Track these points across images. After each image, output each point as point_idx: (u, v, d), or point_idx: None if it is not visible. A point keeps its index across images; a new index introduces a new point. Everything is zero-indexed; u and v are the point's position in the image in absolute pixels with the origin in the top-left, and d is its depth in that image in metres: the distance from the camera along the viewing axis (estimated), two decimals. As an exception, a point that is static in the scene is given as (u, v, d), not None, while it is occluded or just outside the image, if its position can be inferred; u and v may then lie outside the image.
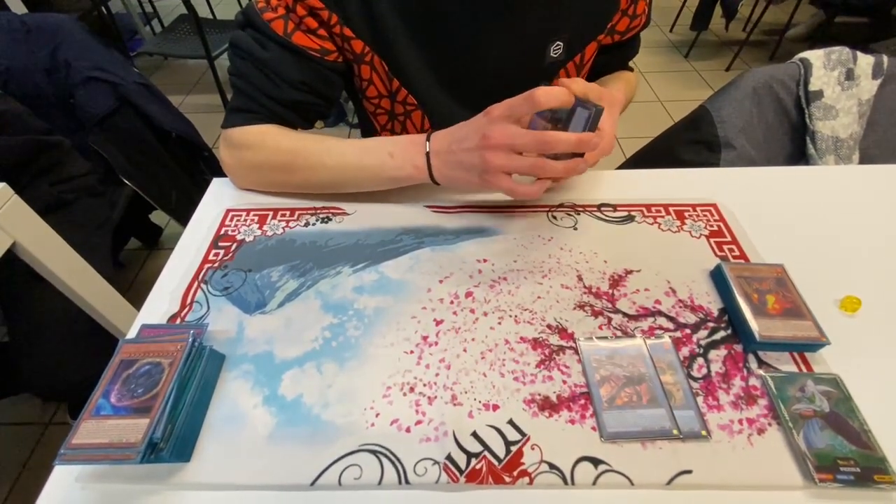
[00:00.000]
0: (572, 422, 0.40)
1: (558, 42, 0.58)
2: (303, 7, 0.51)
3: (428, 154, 0.51)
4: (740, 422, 0.40)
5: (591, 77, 0.72)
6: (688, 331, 0.46)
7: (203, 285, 0.51)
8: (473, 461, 0.38)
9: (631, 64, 0.73)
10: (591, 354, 0.44)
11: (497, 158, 0.46)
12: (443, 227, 0.57)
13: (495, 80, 0.61)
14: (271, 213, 0.59)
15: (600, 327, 0.46)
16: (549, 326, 0.47)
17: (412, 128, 0.65)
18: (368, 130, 0.71)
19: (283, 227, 0.57)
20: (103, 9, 2.09)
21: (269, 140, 0.56)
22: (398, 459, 0.38)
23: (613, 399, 0.41)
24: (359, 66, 0.58)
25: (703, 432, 0.39)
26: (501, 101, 0.46)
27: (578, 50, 0.61)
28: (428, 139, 0.51)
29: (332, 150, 0.55)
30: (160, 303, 0.50)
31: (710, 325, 0.46)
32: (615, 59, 0.69)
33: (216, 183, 0.64)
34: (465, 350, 0.45)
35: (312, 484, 0.37)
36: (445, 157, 0.50)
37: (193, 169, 1.35)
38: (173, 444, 0.37)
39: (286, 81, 0.55)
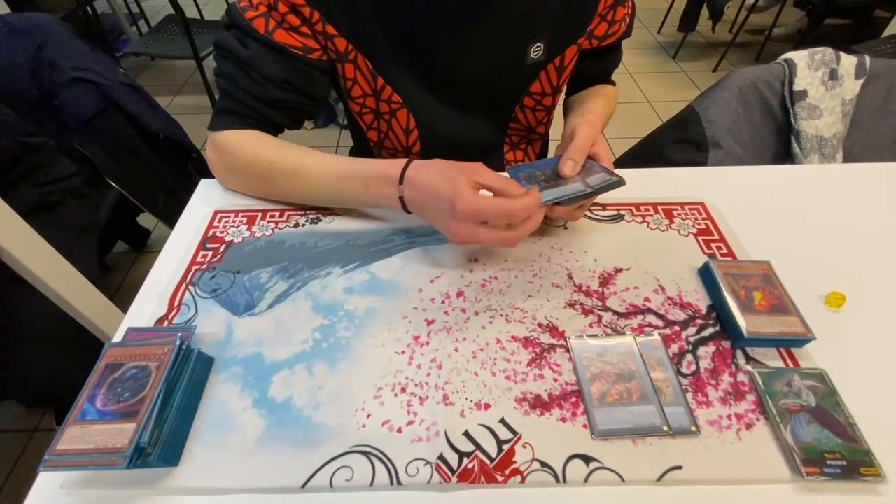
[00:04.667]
0: (563, 420, 0.40)
1: (538, 43, 0.59)
2: (284, 4, 0.51)
3: (402, 198, 0.49)
4: (729, 417, 0.40)
5: (572, 85, 0.72)
6: (677, 328, 0.46)
7: (191, 287, 0.50)
8: (465, 461, 0.38)
9: (620, 65, 0.74)
10: (581, 352, 0.44)
11: (463, 230, 0.45)
12: (433, 227, 0.57)
13: (477, 79, 0.61)
14: (260, 213, 0.59)
15: (591, 325, 0.47)
16: (539, 325, 0.47)
17: (398, 126, 0.65)
18: (356, 131, 0.71)
19: (272, 228, 0.57)
20: (88, 9, 2.06)
21: (247, 148, 0.56)
22: (390, 460, 0.38)
23: (604, 396, 0.41)
24: (343, 65, 0.58)
25: (693, 428, 0.39)
26: (473, 200, 0.44)
27: (558, 52, 0.61)
28: (401, 180, 0.49)
29: (309, 170, 0.54)
30: (147, 305, 0.49)
31: (699, 322, 0.47)
32: (595, 67, 0.69)
33: (204, 184, 0.63)
34: (456, 350, 0.45)
35: (303, 486, 0.37)
36: (419, 207, 0.49)
37: (181, 170, 1.33)
38: (161, 448, 0.36)
39: (269, 80, 0.54)
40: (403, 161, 0.50)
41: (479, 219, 0.44)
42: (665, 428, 0.39)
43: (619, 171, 0.52)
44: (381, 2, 0.53)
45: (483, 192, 0.47)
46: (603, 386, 0.42)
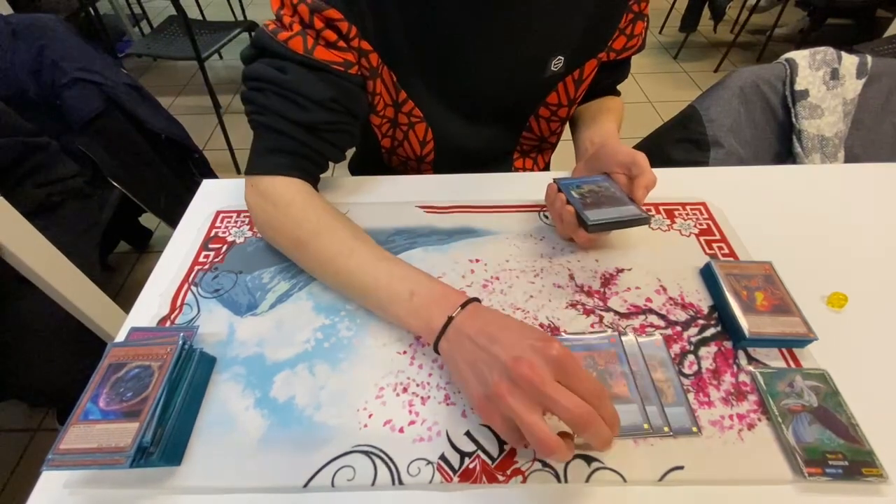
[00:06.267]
0: (565, 420, 0.40)
1: (559, 56, 0.58)
2: (320, 19, 0.48)
3: (451, 318, 0.39)
4: (731, 417, 0.40)
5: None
6: (678, 328, 0.46)
7: (193, 287, 0.51)
8: (467, 460, 0.38)
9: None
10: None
11: (514, 403, 0.33)
12: (435, 227, 0.57)
13: (496, 93, 0.61)
14: (262, 214, 0.59)
15: (592, 325, 0.47)
16: (541, 325, 0.47)
17: (414, 137, 0.65)
18: (368, 136, 0.67)
19: (274, 229, 0.57)
20: (91, 9, 2.07)
21: (294, 208, 0.49)
22: (391, 460, 0.38)
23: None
24: (374, 81, 0.56)
25: (694, 428, 0.39)
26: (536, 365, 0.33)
27: (578, 65, 0.61)
28: (465, 305, 0.40)
29: (360, 251, 0.46)
30: (150, 305, 0.49)
31: (701, 322, 0.47)
32: (606, 80, 0.68)
33: (206, 184, 0.64)
34: (457, 350, 0.45)
35: (305, 486, 0.37)
36: (461, 341, 0.38)
37: (183, 171, 1.33)
38: (163, 447, 0.36)
39: (314, 101, 0.50)
40: (467, 296, 0.41)
41: (540, 389, 0.32)
42: (666, 429, 0.39)
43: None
44: (409, 14, 0.52)
45: None
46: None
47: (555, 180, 0.54)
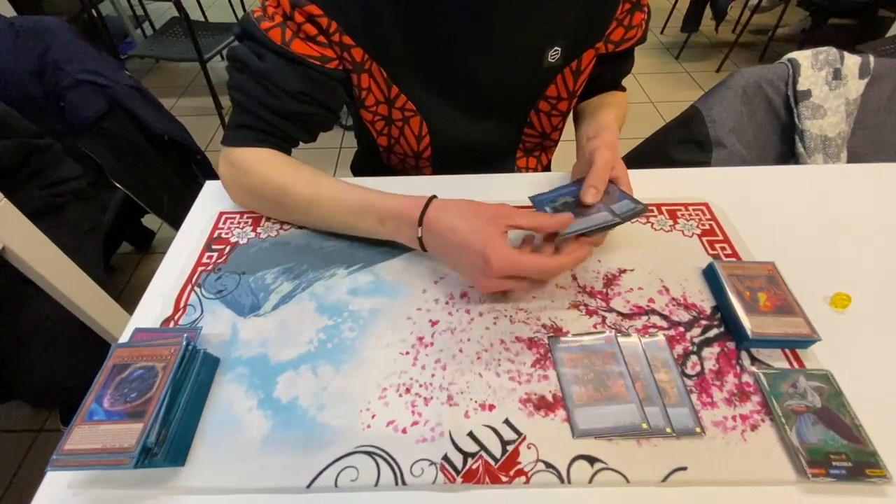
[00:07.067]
0: (568, 420, 0.40)
1: (556, 47, 0.58)
2: (301, 14, 0.50)
3: (420, 239, 0.48)
4: (734, 418, 0.40)
5: (583, 90, 0.71)
6: (681, 329, 0.46)
7: (196, 288, 0.51)
8: (470, 461, 0.38)
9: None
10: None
11: (494, 285, 0.45)
12: (437, 228, 0.57)
13: (493, 83, 0.61)
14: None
15: (595, 326, 0.47)
16: (544, 326, 0.47)
17: (409, 133, 0.65)
18: (365, 135, 0.70)
19: (276, 230, 0.57)
20: (93, 11, 2.07)
21: (261, 170, 0.54)
22: (394, 461, 0.38)
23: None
24: (358, 75, 0.57)
25: (698, 429, 0.39)
26: (509, 257, 0.43)
27: (575, 56, 0.61)
28: (420, 222, 0.47)
29: (323, 200, 0.52)
30: (153, 306, 0.49)
31: (703, 322, 0.47)
32: (608, 73, 0.68)
33: (209, 186, 0.64)
34: (460, 350, 0.45)
35: (308, 486, 0.37)
36: (439, 252, 0.48)
37: (186, 172, 1.34)
38: (167, 448, 0.36)
39: (285, 91, 0.53)
40: (423, 200, 0.47)
41: (513, 275, 0.44)
42: (668, 429, 0.39)
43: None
44: (403, 9, 0.52)
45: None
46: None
47: (530, 198, 0.54)
